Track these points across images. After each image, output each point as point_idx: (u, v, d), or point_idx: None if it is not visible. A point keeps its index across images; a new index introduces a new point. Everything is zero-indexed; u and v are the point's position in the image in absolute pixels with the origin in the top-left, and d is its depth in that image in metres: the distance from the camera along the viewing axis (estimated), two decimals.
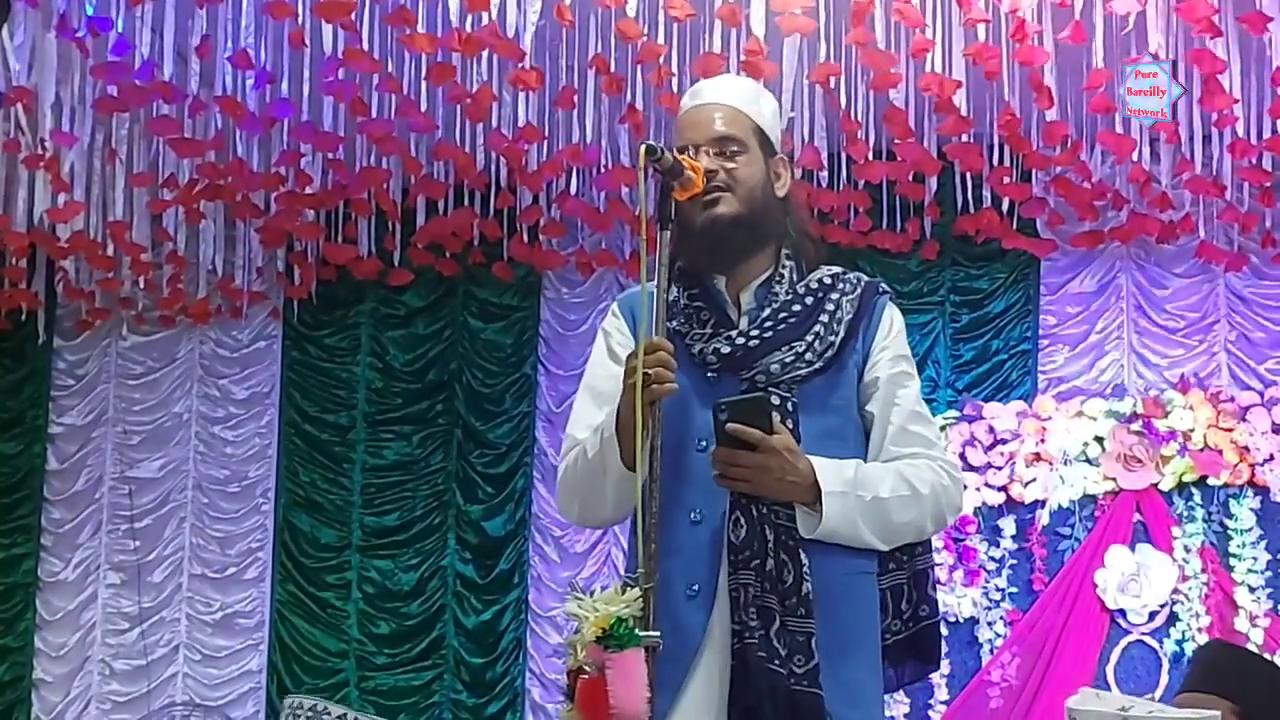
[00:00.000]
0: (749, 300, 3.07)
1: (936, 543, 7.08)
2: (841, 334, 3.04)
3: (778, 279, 3.07)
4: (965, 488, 7.22)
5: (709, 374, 2.99)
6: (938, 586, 3.14)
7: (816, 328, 3.02)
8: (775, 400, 2.95)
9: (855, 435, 3.04)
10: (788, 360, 2.99)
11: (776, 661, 2.84)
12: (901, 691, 7.16)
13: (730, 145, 3.05)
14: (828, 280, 3.09)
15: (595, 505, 3.03)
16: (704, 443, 2.90)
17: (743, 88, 3.19)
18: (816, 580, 2.89)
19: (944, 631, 7.02)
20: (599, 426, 3.00)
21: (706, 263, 3.05)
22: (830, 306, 3.05)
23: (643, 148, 2.88)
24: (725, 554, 2.89)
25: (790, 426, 2.93)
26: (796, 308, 3.04)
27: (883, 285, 3.15)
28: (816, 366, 3.00)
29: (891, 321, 3.10)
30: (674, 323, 3.01)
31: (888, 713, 7.20)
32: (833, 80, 6.28)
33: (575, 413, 3.12)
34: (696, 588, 2.88)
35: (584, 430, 3.06)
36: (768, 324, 3.02)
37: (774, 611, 2.86)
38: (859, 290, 3.09)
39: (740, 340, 3.01)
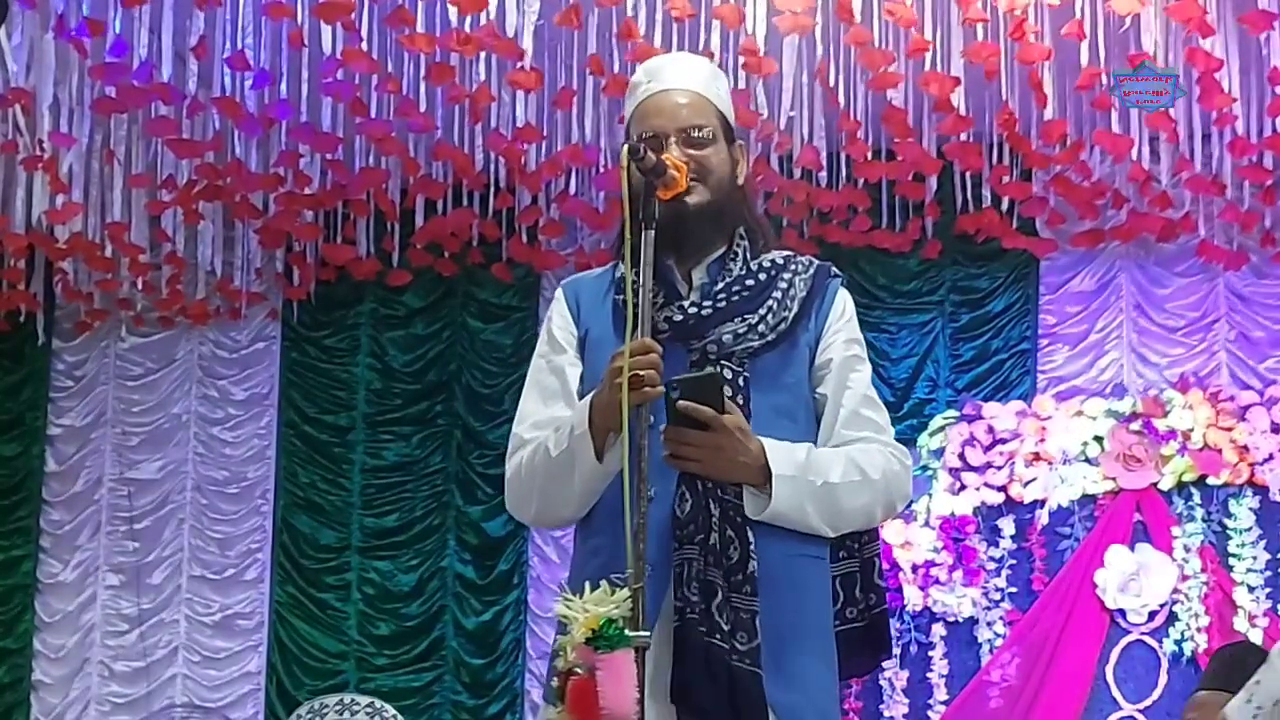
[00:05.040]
0: (701, 275, 3.04)
1: (935, 542, 7.19)
2: (795, 310, 3.01)
3: (732, 256, 3.04)
4: (964, 488, 7.29)
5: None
6: (884, 576, 3.10)
7: (770, 302, 3.00)
8: (727, 374, 2.92)
9: (806, 416, 3.01)
10: (740, 331, 2.96)
11: (718, 636, 2.79)
12: (901, 692, 7.17)
13: (698, 134, 3.02)
14: (780, 260, 3.08)
15: (558, 503, 2.98)
16: (654, 419, 2.83)
17: (703, 70, 3.15)
18: (762, 560, 2.85)
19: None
20: (562, 422, 2.95)
21: (666, 248, 2.97)
22: (783, 284, 3.03)
23: (624, 148, 2.86)
24: (673, 531, 2.85)
25: (741, 402, 2.90)
26: (750, 282, 3.01)
27: (834, 269, 3.13)
28: (769, 339, 2.97)
29: (845, 305, 3.08)
30: (620, 297, 2.95)
31: (887, 713, 7.23)
32: (832, 79, 6.28)
33: (522, 410, 3.07)
34: (651, 567, 2.78)
35: (531, 430, 3.02)
36: (720, 296, 2.99)
37: (717, 586, 2.81)
38: (812, 271, 3.08)
39: (693, 310, 2.97)
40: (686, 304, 2.98)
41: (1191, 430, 7.21)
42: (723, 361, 2.94)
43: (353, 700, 5.54)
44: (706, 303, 2.98)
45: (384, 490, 8.44)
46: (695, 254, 3.04)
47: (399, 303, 8.47)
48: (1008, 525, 7.30)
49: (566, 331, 3.09)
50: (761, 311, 2.99)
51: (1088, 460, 7.28)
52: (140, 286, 8.08)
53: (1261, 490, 7.11)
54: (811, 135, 6.65)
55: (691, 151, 3.00)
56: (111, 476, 8.63)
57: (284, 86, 6.63)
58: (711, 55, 5.94)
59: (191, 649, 8.45)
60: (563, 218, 7.75)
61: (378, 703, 5.52)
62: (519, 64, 6.32)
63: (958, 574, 7.24)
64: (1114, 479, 7.23)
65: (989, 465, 7.36)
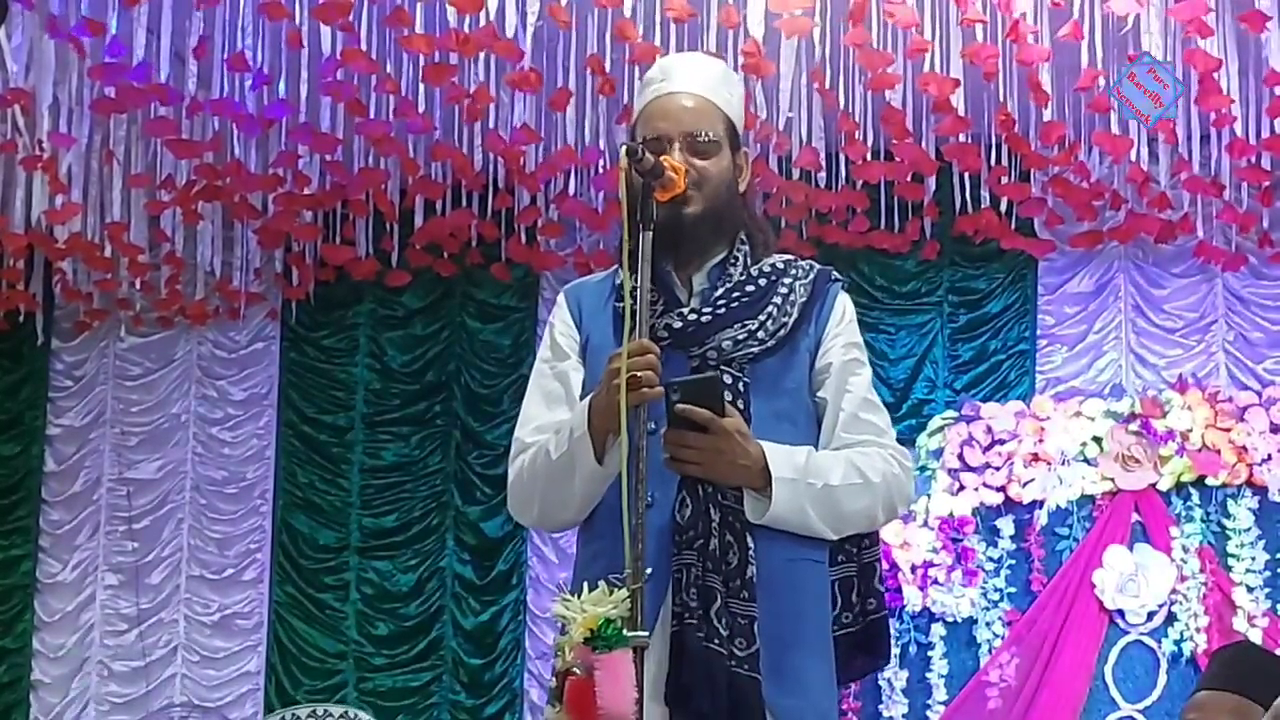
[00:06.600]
0: (701, 281, 3.04)
1: (934, 543, 7.19)
2: (795, 315, 3.02)
3: (732, 261, 3.05)
4: (963, 489, 7.28)
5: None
6: (885, 580, 3.10)
7: (769, 308, 3.00)
8: (728, 379, 2.93)
9: (806, 420, 3.01)
10: (740, 338, 2.97)
11: (716, 641, 2.80)
12: (900, 692, 7.17)
13: (701, 141, 3.01)
14: (780, 265, 3.08)
15: (559, 506, 2.99)
16: (654, 425, 2.85)
17: (713, 74, 3.13)
18: (761, 565, 2.86)
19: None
20: (562, 425, 2.96)
21: (664, 251, 2.97)
22: (784, 289, 3.03)
23: (623, 150, 2.86)
24: (672, 536, 2.86)
25: (741, 407, 2.91)
26: (750, 288, 3.02)
27: (835, 273, 3.13)
28: (768, 345, 2.98)
29: (845, 309, 3.08)
30: (620, 304, 2.93)
31: (886, 713, 7.23)
32: (830, 80, 6.28)
33: (524, 414, 3.08)
34: (649, 572, 2.78)
35: (534, 433, 3.03)
36: (720, 302, 2.99)
37: (716, 591, 2.82)
38: (812, 276, 3.08)
39: (693, 316, 2.97)
40: (686, 311, 2.98)
41: (1190, 431, 7.21)
42: (723, 367, 2.94)
43: (325, 712, 5.52)
44: (706, 309, 2.99)
45: (383, 490, 8.44)
46: (694, 258, 3.04)
47: (398, 303, 8.47)
48: (1006, 526, 7.30)
49: (569, 337, 3.09)
50: (761, 318, 2.99)
51: (1086, 461, 7.28)
52: (139, 286, 8.09)
53: (1260, 490, 7.11)
54: (810, 136, 6.65)
55: (694, 159, 3.00)
56: (110, 476, 8.63)
57: (283, 87, 6.63)
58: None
59: (190, 649, 8.45)
60: (561, 218, 7.75)
61: (351, 711, 5.50)
62: (518, 65, 6.32)
63: (956, 574, 7.24)
64: (1112, 479, 7.23)
65: (988, 466, 7.36)
